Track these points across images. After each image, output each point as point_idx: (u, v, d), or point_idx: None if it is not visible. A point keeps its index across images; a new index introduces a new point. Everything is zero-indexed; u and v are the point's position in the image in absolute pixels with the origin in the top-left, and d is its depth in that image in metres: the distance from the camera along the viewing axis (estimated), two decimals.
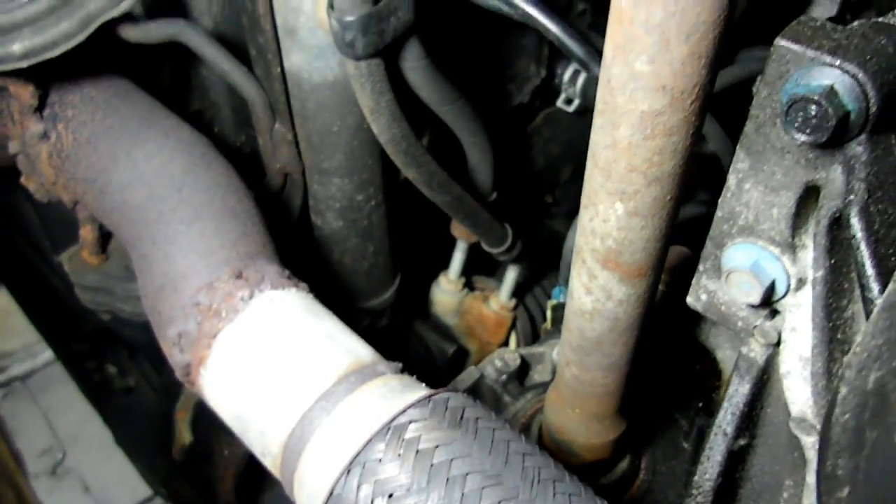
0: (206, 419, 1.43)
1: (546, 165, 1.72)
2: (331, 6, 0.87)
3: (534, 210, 1.77)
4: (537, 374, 1.15)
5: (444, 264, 1.57)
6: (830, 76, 0.52)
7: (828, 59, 0.52)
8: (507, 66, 1.45)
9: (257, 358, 0.75)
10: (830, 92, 0.51)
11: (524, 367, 1.12)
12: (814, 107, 0.52)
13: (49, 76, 0.95)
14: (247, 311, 0.77)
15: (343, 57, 0.90)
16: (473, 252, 1.52)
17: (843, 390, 0.43)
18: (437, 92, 1.06)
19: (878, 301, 0.50)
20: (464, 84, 1.15)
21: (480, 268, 1.65)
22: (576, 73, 1.48)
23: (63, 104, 0.96)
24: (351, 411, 0.68)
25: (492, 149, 1.28)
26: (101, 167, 0.91)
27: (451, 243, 1.53)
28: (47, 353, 2.87)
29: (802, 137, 0.53)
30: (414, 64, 0.98)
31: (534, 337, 1.62)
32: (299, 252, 1.17)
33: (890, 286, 0.47)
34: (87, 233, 1.09)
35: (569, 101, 1.50)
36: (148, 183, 0.87)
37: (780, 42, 0.54)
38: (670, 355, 0.98)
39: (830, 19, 1.01)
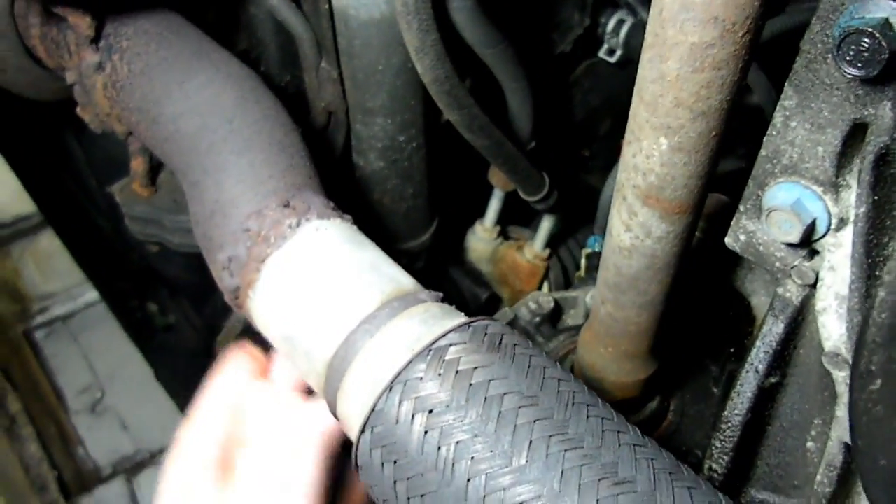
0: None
1: (585, 118, 1.71)
2: None
3: (571, 162, 1.77)
4: (570, 319, 1.17)
5: (481, 212, 1.58)
6: (886, 9, 0.52)
7: None
8: (552, 13, 1.44)
9: (304, 282, 0.78)
10: (885, 24, 0.51)
11: (557, 311, 1.14)
12: (867, 39, 0.52)
13: (105, 8, 0.98)
14: (294, 238, 0.80)
15: None
16: (509, 201, 1.54)
17: (882, 293, 0.44)
18: (482, 34, 1.07)
19: None
20: (508, 29, 1.15)
21: (516, 217, 1.66)
22: (619, 23, 1.46)
23: (118, 36, 0.99)
24: (393, 334, 0.71)
25: (532, 96, 1.29)
26: (155, 98, 0.94)
27: (488, 191, 1.55)
28: (90, 294, 2.97)
29: (854, 72, 0.53)
30: (460, 4, 0.99)
31: (566, 287, 1.64)
32: (341, 190, 1.19)
33: None
34: (138, 164, 1.13)
35: (611, 52, 1.49)
36: (200, 113, 0.89)
37: None
38: (705, 301, 0.99)
39: None
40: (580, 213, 1.63)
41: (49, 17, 1.02)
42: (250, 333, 1.22)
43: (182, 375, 2.20)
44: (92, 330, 3.04)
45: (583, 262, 1.33)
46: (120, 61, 0.98)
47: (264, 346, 0.90)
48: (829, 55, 0.56)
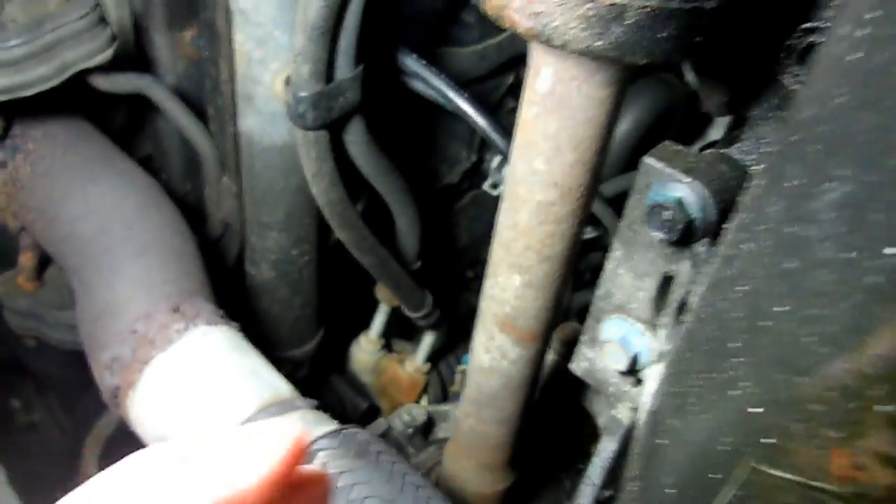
0: (116, 454, 1.44)
1: (469, 242, 1.85)
2: (287, 82, 0.98)
3: (455, 283, 1.90)
4: (441, 431, 1.24)
5: (366, 324, 1.66)
6: (681, 190, 0.66)
7: (680, 176, 0.66)
8: (441, 148, 1.59)
9: (185, 385, 0.82)
10: (680, 202, 0.65)
11: (430, 423, 1.21)
12: (667, 212, 0.65)
13: (15, 111, 1.03)
14: (180, 342, 0.85)
15: (293, 125, 1.01)
16: (394, 316, 1.62)
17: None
18: (374, 165, 1.18)
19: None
20: (400, 160, 1.27)
21: (400, 331, 1.74)
22: (502, 162, 1.63)
23: (24, 137, 1.03)
24: None
25: (420, 221, 1.40)
26: (56, 199, 0.98)
27: (373, 305, 1.63)
28: None
29: (660, 235, 0.67)
30: (356, 139, 1.10)
31: (444, 401, 1.71)
32: (232, 297, 1.24)
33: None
34: (26, 259, 1.14)
35: (494, 186, 1.64)
36: (100, 217, 0.94)
37: (647, 160, 0.68)
38: (560, 418, 1.09)
39: (716, 142, 1.19)
40: (462, 331, 1.74)
41: None
42: (122, 435, 1.22)
43: (42, 478, 2.06)
44: None
45: (457, 377, 1.42)
46: (24, 161, 1.02)
47: (138, 447, 0.91)
48: (643, 220, 0.69)
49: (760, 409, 0.38)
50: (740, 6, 0.57)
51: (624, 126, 1.52)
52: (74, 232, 0.95)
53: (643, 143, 1.48)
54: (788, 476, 0.36)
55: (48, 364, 1.56)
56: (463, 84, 1.19)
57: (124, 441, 1.38)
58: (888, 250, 0.30)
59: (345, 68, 0.98)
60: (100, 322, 0.89)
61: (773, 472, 0.37)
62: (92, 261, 0.92)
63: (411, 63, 1.16)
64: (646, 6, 0.51)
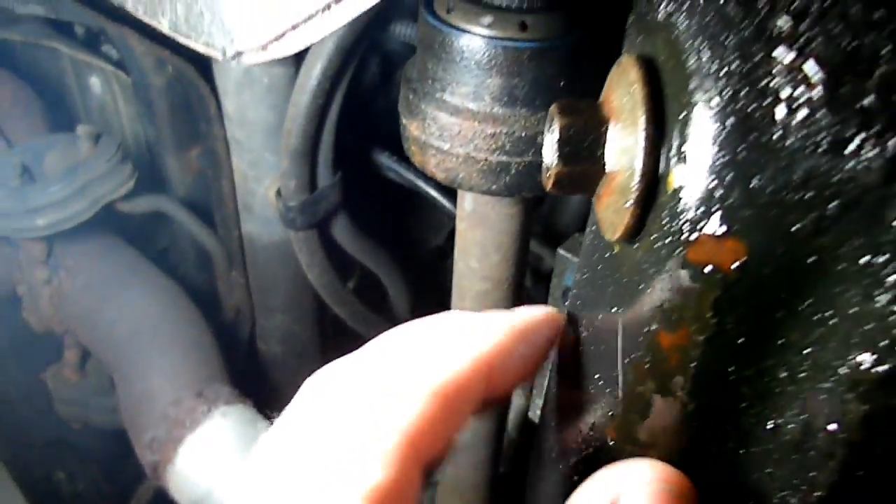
0: None
1: None
2: (278, 193, 1.18)
3: None
4: (438, 474, 1.41)
5: None
6: None
7: None
8: (426, 217, 1.79)
9: (211, 458, 1.01)
10: None
11: None
12: None
13: (56, 235, 1.23)
14: (205, 423, 1.03)
15: (286, 228, 1.20)
16: None
17: None
18: (360, 248, 1.37)
19: None
20: (388, 234, 1.46)
21: None
22: None
23: (64, 255, 1.24)
24: None
25: (408, 287, 1.59)
26: (94, 307, 1.18)
27: None
28: None
29: None
30: (341, 230, 1.29)
31: None
32: (246, 371, 1.43)
33: None
34: (71, 356, 1.34)
35: None
36: (132, 321, 1.14)
37: (560, 250, 0.87)
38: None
39: None
40: None
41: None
42: (160, 500, 1.41)
43: None
44: None
45: None
46: (66, 276, 1.22)
47: None
48: (561, 298, 0.87)
49: None
50: None
51: None
52: (111, 335, 1.14)
53: None
54: None
55: (91, 441, 1.75)
56: None
57: None
58: None
59: (325, 178, 1.18)
60: (138, 408, 1.08)
61: None
62: (128, 358, 1.12)
63: (384, 159, 1.35)
64: (523, 161, 0.70)
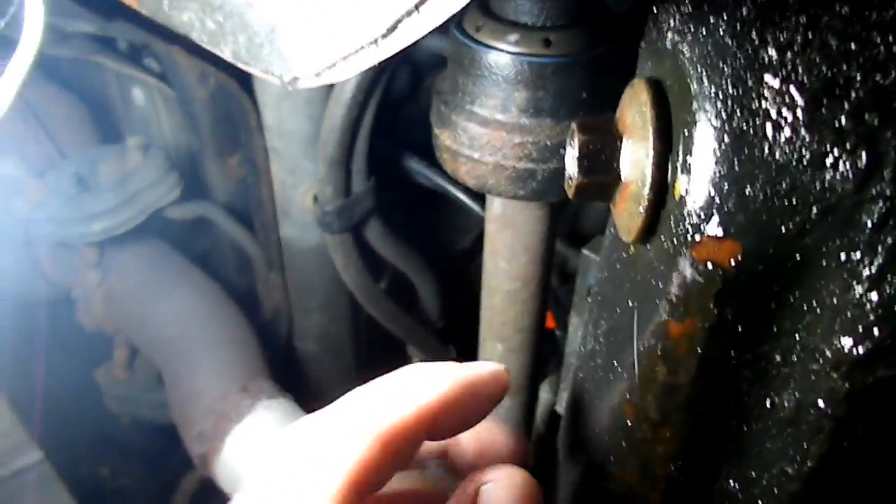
0: None
1: None
2: (315, 199, 1.24)
3: (476, 333, 2.12)
4: None
5: None
6: None
7: None
8: (454, 221, 1.84)
9: (256, 448, 1.07)
10: None
11: None
12: None
13: (107, 240, 1.31)
14: (250, 416, 1.10)
15: (322, 231, 1.26)
16: None
17: None
18: (393, 251, 1.43)
19: None
20: (418, 238, 1.52)
21: None
22: None
23: (116, 259, 1.31)
24: None
25: (439, 288, 1.64)
26: (144, 309, 1.25)
27: (406, 362, 1.87)
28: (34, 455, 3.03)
29: None
30: (375, 233, 1.35)
31: None
32: (285, 368, 1.50)
33: None
34: (120, 353, 1.41)
35: None
36: (180, 322, 1.21)
37: (584, 251, 0.91)
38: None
39: None
40: None
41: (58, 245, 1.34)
42: (204, 491, 1.48)
43: None
44: (40, 490, 3.07)
45: None
46: (116, 280, 1.29)
47: (220, 500, 1.15)
48: (586, 298, 0.92)
49: None
50: None
51: None
52: (161, 335, 1.21)
53: None
54: None
55: (135, 438, 1.83)
56: None
57: (206, 497, 1.64)
58: None
59: (359, 183, 1.24)
60: (187, 403, 1.14)
61: None
62: (177, 357, 1.18)
63: (415, 165, 1.41)
64: (549, 167, 0.75)
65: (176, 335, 1.20)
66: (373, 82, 1.09)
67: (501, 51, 0.72)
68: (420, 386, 0.43)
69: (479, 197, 1.41)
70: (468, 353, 1.84)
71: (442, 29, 0.47)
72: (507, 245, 0.89)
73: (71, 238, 1.17)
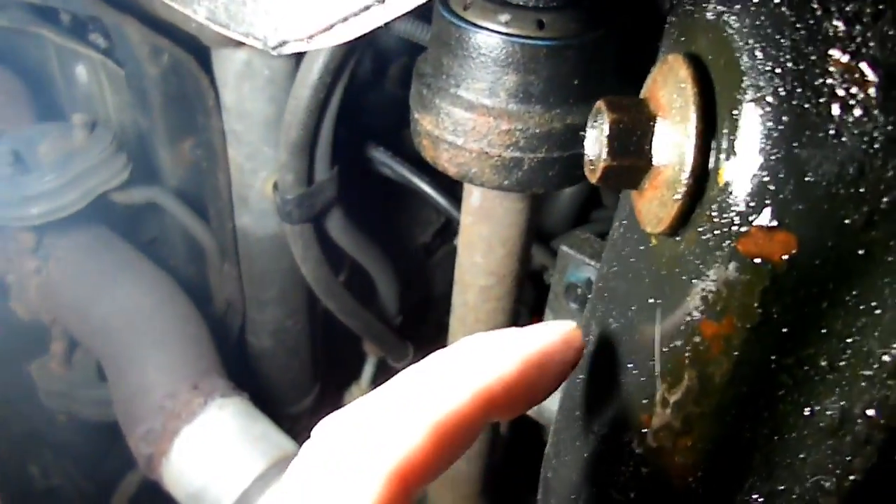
0: None
1: (445, 291, 2.03)
2: (275, 186, 1.18)
3: (435, 329, 2.08)
4: None
5: (357, 376, 1.84)
6: (589, 271, 0.86)
7: (588, 260, 0.86)
8: (414, 214, 1.79)
9: (208, 451, 1.00)
10: (589, 281, 0.85)
11: None
12: (579, 289, 0.85)
13: (46, 225, 1.21)
14: (201, 415, 1.03)
15: (282, 220, 1.20)
16: (382, 366, 1.80)
17: None
18: (353, 243, 1.37)
19: None
20: (378, 230, 1.46)
21: (387, 379, 1.92)
22: None
23: (54, 246, 1.22)
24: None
25: (397, 282, 1.59)
26: (86, 298, 1.16)
27: (363, 358, 1.82)
28: None
29: (575, 306, 0.86)
30: (335, 225, 1.29)
31: None
32: (237, 364, 1.42)
33: None
34: (57, 347, 1.32)
35: None
36: (126, 313, 1.13)
37: (562, 247, 0.88)
38: (528, 453, 1.27)
39: None
40: None
41: None
42: (144, 493, 1.39)
43: None
44: None
45: None
46: (55, 266, 1.20)
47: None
48: (563, 295, 0.89)
49: None
50: None
51: None
52: (105, 326, 1.13)
53: None
54: None
55: (74, 435, 1.72)
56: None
57: (147, 499, 1.55)
58: None
59: (322, 172, 1.18)
60: (133, 401, 1.07)
61: None
62: (122, 350, 1.10)
63: (378, 154, 1.36)
64: (536, 157, 0.71)
65: (121, 327, 1.12)
66: (341, 63, 1.03)
67: (491, 31, 0.67)
68: (481, 365, 0.37)
69: (445, 188, 1.37)
70: (426, 350, 1.79)
71: (414, 11, 0.43)
72: (484, 238, 0.85)
73: (5, 221, 1.08)
